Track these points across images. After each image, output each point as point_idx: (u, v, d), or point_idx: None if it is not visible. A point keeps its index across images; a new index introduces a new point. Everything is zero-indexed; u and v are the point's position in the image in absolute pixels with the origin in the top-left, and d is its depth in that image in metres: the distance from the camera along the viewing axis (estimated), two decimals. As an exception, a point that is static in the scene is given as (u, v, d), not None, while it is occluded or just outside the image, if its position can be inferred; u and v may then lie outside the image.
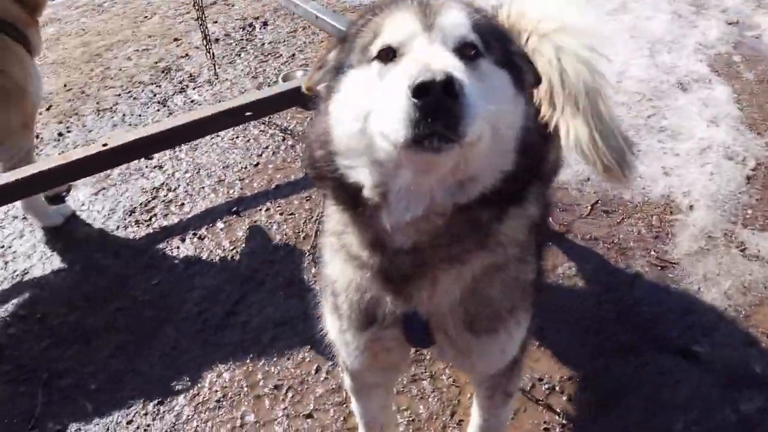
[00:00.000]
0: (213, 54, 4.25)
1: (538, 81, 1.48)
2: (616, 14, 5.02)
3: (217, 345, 2.79)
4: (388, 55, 1.27)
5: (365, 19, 1.41)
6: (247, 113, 2.35)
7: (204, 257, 3.21)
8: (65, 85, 4.81)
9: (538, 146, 1.40)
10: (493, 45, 1.31)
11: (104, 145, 2.52)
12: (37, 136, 4.25)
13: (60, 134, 4.27)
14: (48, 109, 4.55)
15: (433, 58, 1.15)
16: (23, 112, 3.24)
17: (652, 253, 3.05)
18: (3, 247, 3.41)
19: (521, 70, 1.39)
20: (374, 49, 1.29)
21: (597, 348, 2.65)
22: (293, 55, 4.90)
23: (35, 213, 3.44)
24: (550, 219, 3.26)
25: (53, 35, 5.66)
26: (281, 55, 4.93)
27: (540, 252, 1.75)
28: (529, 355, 2.62)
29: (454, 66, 1.14)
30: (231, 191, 3.60)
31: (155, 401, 2.58)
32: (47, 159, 2.80)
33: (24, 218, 3.53)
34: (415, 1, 1.34)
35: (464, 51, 1.25)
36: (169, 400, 2.58)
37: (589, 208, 3.32)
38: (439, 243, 1.31)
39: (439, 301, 1.45)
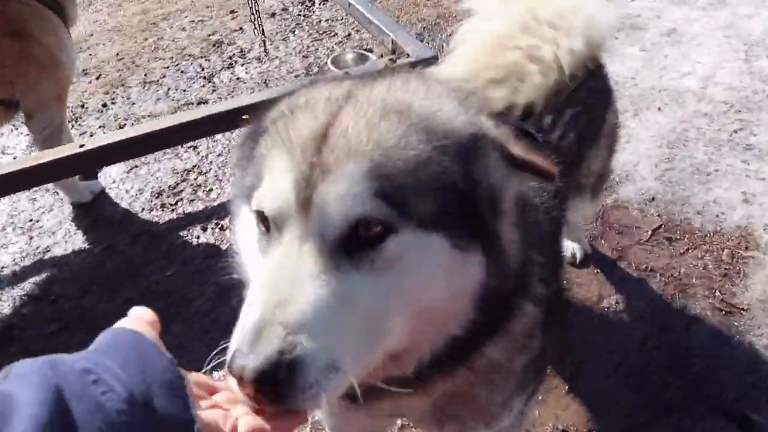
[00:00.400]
0: (263, 31, 4.05)
1: (545, 176, 1.03)
2: (710, 9, 4.47)
3: (223, 349, 2.62)
4: (265, 222, 0.99)
5: (260, 135, 1.07)
6: (244, 116, 2.08)
7: (223, 249, 3.05)
8: (117, 54, 4.75)
9: (520, 277, 1.08)
10: (424, 198, 0.93)
11: (81, 146, 2.32)
12: (82, 106, 4.22)
13: (104, 105, 4.20)
14: (98, 78, 4.50)
15: (264, 326, 0.85)
16: (56, 84, 3.15)
17: (717, 293, 2.64)
18: (31, 220, 3.36)
19: (491, 199, 1.01)
20: (254, 204, 1.00)
21: (637, 400, 2.31)
22: (349, 34, 4.64)
23: (64, 188, 3.37)
24: (603, 241, 2.91)
25: (116, 1, 5.63)
26: (336, 34, 4.68)
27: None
28: (557, 401, 2.32)
29: (297, 325, 0.84)
30: (261, 180, 3.41)
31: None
32: (19, 160, 2.57)
33: (55, 192, 3.48)
34: (301, 144, 0.96)
35: (359, 234, 0.91)
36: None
37: (650, 233, 2.93)
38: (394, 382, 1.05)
39: (403, 412, 1.20)
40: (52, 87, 3.13)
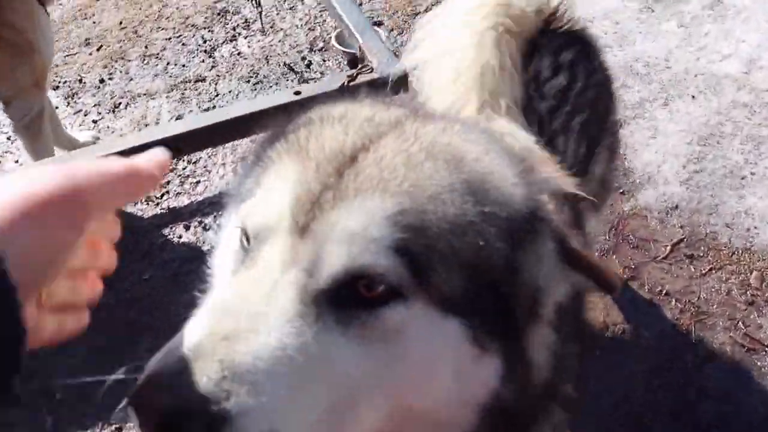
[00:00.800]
0: (260, 2, 3.76)
1: (605, 286, 0.85)
2: (762, -23, 3.97)
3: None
4: (247, 238, 0.79)
5: (271, 143, 0.91)
6: (171, 146, 1.80)
7: (205, 251, 2.88)
8: (121, 23, 4.52)
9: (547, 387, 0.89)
10: (452, 270, 0.74)
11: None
12: (80, 81, 4.04)
13: (101, 81, 4.01)
14: (98, 50, 4.30)
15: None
16: (33, 70, 2.96)
17: (740, 325, 2.36)
18: (16, 208, 3.24)
19: (531, 298, 0.82)
20: (240, 218, 0.81)
21: (635, 450, 2.09)
22: (361, 3, 4.30)
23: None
24: (615, 256, 2.62)
25: (125, -38, 5.37)
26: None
27: None
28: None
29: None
30: (251, 173, 3.20)
31: (113, 426, 2.33)
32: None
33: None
34: (320, 159, 0.79)
35: (357, 288, 0.72)
36: (127, 427, 2.32)
37: (669, 248, 2.62)
38: None
39: None
40: (28, 73, 2.95)
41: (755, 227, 2.65)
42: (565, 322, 0.91)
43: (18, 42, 2.86)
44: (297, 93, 1.66)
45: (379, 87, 1.55)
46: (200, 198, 3.12)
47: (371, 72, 1.64)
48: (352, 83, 1.61)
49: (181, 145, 1.76)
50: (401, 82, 1.57)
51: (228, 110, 1.83)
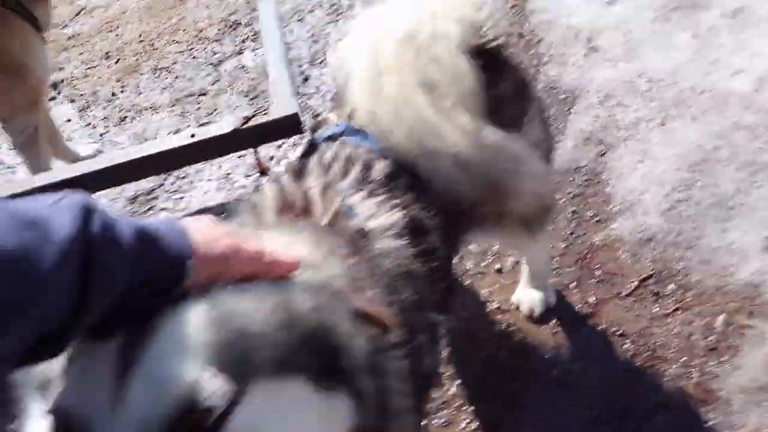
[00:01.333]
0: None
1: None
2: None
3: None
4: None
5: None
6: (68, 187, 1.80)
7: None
8: (140, 35, 4.69)
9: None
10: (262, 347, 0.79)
11: None
12: (94, 94, 4.22)
13: (113, 94, 4.18)
14: (116, 62, 4.48)
15: None
16: (27, 90, 3.13)
17: (695, 374, 2.19)
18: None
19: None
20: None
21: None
22: (367, 15, 4.27)
23: (48, 189, 3.40)
24: (578, 291, 2.49)
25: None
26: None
27: None
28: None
29: None
30: (230, 193, 3.25)
31: None
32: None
33: (45, 190, 3.52)
34: None
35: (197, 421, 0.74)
36: None
37: (636, 284, 2.47)
38: None
39: None
40: (22, 94, 3.12)
41: (732, 265, 2.44)
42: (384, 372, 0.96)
43: (12, 65, 3.03)
44: (192, 136, 1.67)
45: (269, 131, 1.52)
46: (182, 213, 3.20)
47: (265, 114, 1.63)
48: (245, 125, 1.60)
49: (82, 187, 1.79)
50: (291, 124, 1.55)
51: (115, 156, 1.86)
